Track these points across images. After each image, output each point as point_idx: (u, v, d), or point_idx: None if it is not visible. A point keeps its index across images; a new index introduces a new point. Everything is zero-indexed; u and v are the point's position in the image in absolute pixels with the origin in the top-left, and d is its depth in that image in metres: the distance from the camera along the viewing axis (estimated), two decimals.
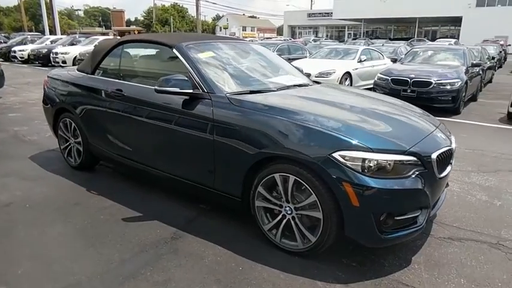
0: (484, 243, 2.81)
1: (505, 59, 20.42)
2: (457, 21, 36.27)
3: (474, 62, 8.45)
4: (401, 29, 48.28)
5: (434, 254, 2.64)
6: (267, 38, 38.39)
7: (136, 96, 3.25)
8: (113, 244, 2.67)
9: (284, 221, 2.55)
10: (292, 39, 31.89)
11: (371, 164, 2.24)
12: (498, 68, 16.07)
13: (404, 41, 26.66)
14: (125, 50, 3.64)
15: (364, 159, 2.23)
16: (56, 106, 4.16)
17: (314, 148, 2.31)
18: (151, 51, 3.61)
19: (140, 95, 3.23)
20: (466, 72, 7.92)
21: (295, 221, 2.50)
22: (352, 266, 2.48)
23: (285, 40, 31.48)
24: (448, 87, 7.31)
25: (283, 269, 2.42)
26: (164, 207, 3.25)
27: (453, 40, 22.95)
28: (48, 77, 4.45)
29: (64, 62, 16.17)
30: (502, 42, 21.73)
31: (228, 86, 2.98)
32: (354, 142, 2.27)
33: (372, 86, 10.24)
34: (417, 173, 2.34)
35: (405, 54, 9.75)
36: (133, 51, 3.74)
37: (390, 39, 33.68)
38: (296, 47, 13.18)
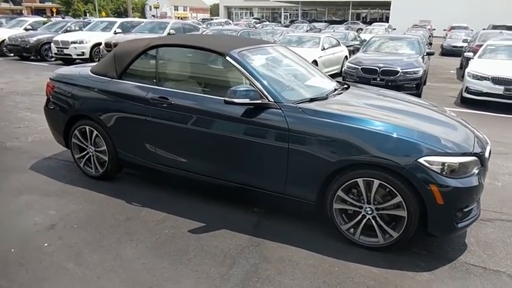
0: (509, 221, 3.32)
1: (431, 42, 22.56)
2: (385, 5, 38.77)
3: (428, 51, 9.32)
4: (333, 11, 50.28)
5: (479, 236, 3.08)
6: (204, 20, 37.27)
7: (190, 105, 3.17)
8: (201, 259, 2.68)
9: (364, 220, 2.78)
10: (234, 22, 31.54)
11: (448, 167, 2.54)
12: None
13: (339, 24, 27.97)
14: (161, 54, 3.48)
15: (443, 163, 2.54)
16: (70, 113, 3.86)
17: (402, 155, 2.55)
18: (194, 57, 3.50)
19: (195, 104, 3.16)
20: (423, 60, 8.74)
21: (376, 220, 2.74)
22: (423, 255, 2.81)
23: (226, 22, 31.13)
24: (413, 75, 8.04)
25: (372, 264, 2.66)
26: (219, 214, 3.28)
27: (386, 24, 24.69)
28: (53, 80, 4.07)
29: None
30: (429, 27, 23.89)
31: (288, 93, 3.07)
32: (435, 148, 2.56)
33: (333, 72, 10.79)
34: (477, 170, 2.70)
35: (365, 44, 10.38)
36: (171, 55, 3.59)
37: (326, 21, 34.96)
38: (254, 33, 13.23)
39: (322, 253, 2.77)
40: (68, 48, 12.96)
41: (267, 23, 33.21)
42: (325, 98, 3.22)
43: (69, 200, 3.51)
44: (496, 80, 7.37)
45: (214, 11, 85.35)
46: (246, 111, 2.97)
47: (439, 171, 2.53)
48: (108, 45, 12.35)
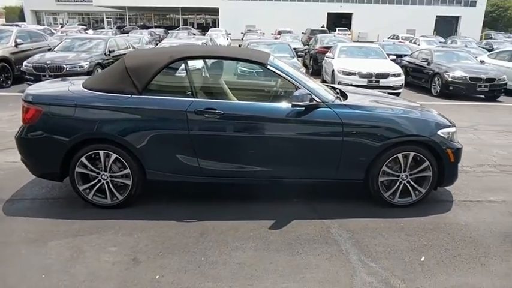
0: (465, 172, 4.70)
1: None
2: (212, 11, 41.23)
3: (299, 53, 10.98)
4: (160, 17, 49.99)
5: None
6: (5, 25, 31.10)
7: (243, 113, 3.34)
8: (310, 246, 2.98)
9: (401, 186, 3.61)
10: (59, 30, 27.83)
11: (451, 135, 3.64)
12: None
13: (174, 30, 28.44)
14: (192, 66, 3.44)
15: (449, 132, 3.62)
16: (77, 139, 3.33)
17: (428, 131, 3.51)
18: (227, 68, 3.59)
19: (248, 112, 3.35)
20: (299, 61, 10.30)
21: (410, 183, 3.61)
22: (433, 202, 3.82)
23: (45, 29, 27.08)
24: None
25: (416, 215, 3.51)
26: (274, 210, 3.54)
27: (223, 29, 26.53)
28: (35, 103, 3.37)
29: None
30: (259, 31, 27.01)
31: (323, 93, 3.61)
32: (442, 123, 3.63)
33: None
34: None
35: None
36: (201, 66, 3.55)
37: (162, 27, 34.84)
38: (125, 42, 12.45)
39: (382, 217, 3.47)
40: None
41: (91, 30, 30.77)
42: (340, 96, 3.90)
43: (112, 233, 3.12)
44: (361, 75, 9.49)
45: (9, 15, 71.97)
46: (297, 113, 3.36)
47: (447, 138, 3.58)
48: None
